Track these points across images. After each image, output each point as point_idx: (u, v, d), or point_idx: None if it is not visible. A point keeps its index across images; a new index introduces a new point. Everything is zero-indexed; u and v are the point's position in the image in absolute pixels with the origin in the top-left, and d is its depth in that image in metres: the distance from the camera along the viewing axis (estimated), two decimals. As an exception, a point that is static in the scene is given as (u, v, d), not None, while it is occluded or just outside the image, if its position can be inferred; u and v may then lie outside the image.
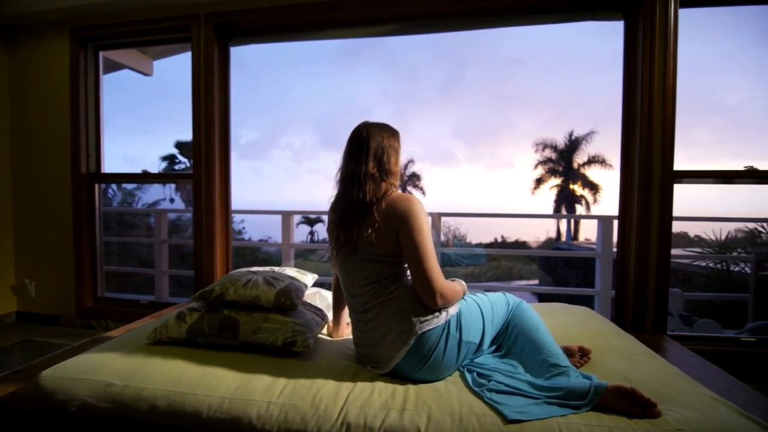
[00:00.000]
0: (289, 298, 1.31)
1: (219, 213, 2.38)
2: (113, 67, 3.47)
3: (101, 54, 2.79)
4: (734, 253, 5.59)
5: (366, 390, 1.04)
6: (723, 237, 5.77)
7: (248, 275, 1.41)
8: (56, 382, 1.12)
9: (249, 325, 1.26)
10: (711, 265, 5.24)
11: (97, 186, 2.74)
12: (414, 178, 23.95)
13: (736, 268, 4.86)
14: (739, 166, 2.07)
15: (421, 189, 23.83)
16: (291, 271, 1.55)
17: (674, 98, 1.93)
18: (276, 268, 1.57)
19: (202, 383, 1.07)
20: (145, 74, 3.71)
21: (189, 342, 1.28)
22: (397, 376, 1.12)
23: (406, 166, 23.66)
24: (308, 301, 1.53)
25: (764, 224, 4.89)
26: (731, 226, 5.81)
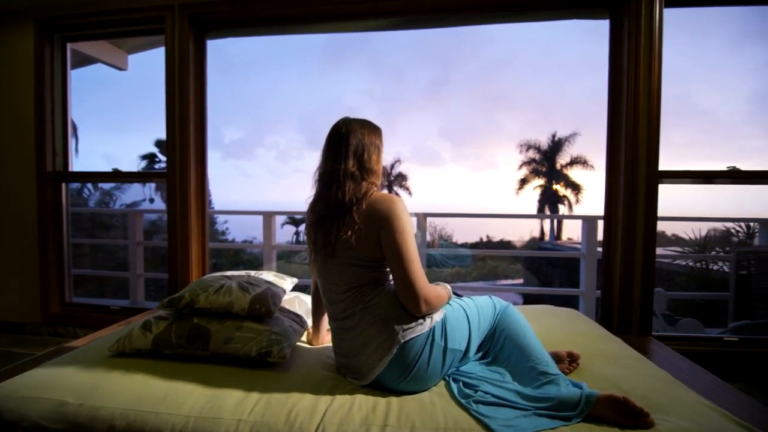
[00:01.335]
0: (264, 304, 1.23)
1: (195, 213, 2.27)
2: (85, 60, 3.31)
3: (69, 46, 2.64)
4: (713, 252, 5.71)
5: (345, 404, 0.97)
6: (702, 236, 5.89)
7: (221, 280, 1.32)
8: (3, 401, 1.01)
9: (221, 334, 1.17)
10: (691, 264, 5.34)
11: (64, 185, 2.59)
12: (400, 178, 23.96)
13: (715, 267, 4.96)
14: (714, 167, 2.09)
15: (408, 189, 23.87)
16: (268, 276, 1.47)
17: (659, 97, 1.92)
18: (252, 273, 1.49)
19: (167, 400, 0.98)
20: (120, 69, 3.55)
21: (155, 353, 1.19)
22: (379, 387, 1.06)
23: (392, 166, 23.62)
24: (286, 306, 1.45)
25: (741, 224, 5.01)
26: (708, 226, 5.94)
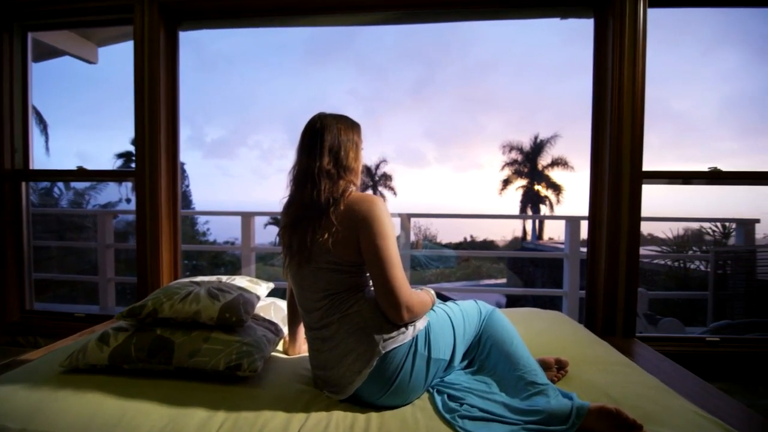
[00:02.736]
0: (235, 313, 1.14)
1: (165, 214, 2.14)
2: (52, 53, 3.13)
3: (30, 36, 2.47)
4: (690, 252, 5.85)
5: (321, 422, 0.89)
6: (678, 235, 6.04)
7: (189, 287, 1.23)
8: (-66, 428, 0.90)
9: (186, 346, 1.08)
10: (669, 263, 5.46)
11: (24, 184, 2.42)
12: (385, 178, 23.94)
13: (692, 266, 5.08)
14: (688, 169, 2.11)
15: (392, 189, 23.86)
16: (242, 281, 1.38)
17: (643, 97, 1.91)
18: (224, 278, 1.39)
19: (122, 422, 0.88)
20: (89, 62, 3.37)
21: (113, 369, 1.08)
22: (358, 401, 0.98)
23: (377, 166, 23.57)
24: (261, 314, 1.36)
25: (717, 224, 5.15)
26: (686, 226, 6.09)
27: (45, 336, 2.33)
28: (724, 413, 1.03)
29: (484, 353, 1.14)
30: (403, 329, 1.00)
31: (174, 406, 0.93)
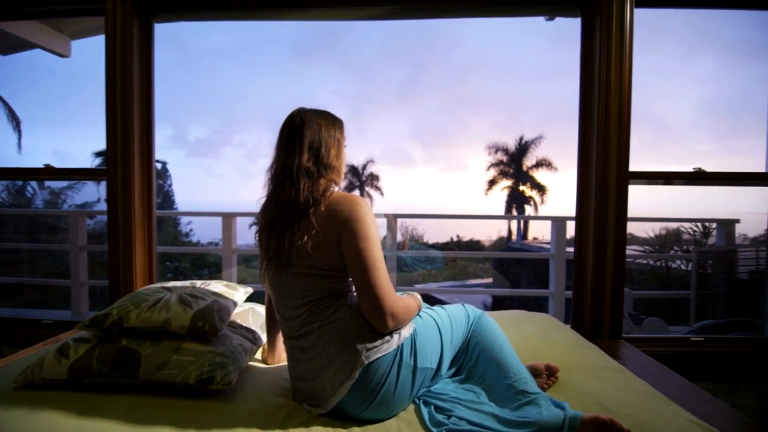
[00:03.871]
0: (208, 321, 1.07)
1: (139, 215, 2.04)
2: (22, 45, 2.98)
3: (-5, 26, 2.34)
4: (672, 251, 5.97)
5: (299, 439, 0.83)
6: (657, 235, 6.16)
7: (159, 293, 1.15)
8: None
9: (153, 358, 1.00)
10: (651, 262, 5.55)
11: (-14, 183, 2.28)
12: (372, 179, 23.87)
13: (674, 266, 5.17)
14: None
15: (380, 189, 23.81)
16: (217, 286, 1.30)
17: (630, 97, 1.90)
18: (198, 283, 1.31)
19: (78, 444, 0.81)
20: (62, 55, 3.22)
21: (72, 383, 0.99)
22: (339, 415, 0.93)
23: (364, 167, 23.48)
24: (238, 321, 1.29)
25: (698, 224, 5.26)
26: (667, 225, 6.21)
27: (10, 344, 2.19)
28: (715, 418, 1.01)
29: (472, 360, 1.09)
30: (388, 337, 0.94)
31: (138, 425, 0.86)
